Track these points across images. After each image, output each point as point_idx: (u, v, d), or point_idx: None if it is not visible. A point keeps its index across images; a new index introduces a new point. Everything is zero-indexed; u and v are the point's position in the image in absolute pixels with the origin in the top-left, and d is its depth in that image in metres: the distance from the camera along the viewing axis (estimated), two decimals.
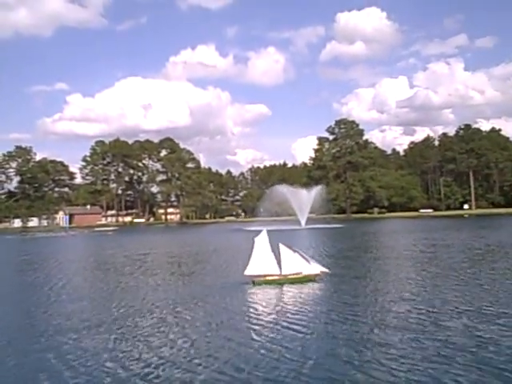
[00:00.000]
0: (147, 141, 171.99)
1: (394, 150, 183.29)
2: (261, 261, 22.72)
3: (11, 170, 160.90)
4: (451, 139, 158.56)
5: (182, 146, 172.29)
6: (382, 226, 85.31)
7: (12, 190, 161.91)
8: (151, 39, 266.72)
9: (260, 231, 23.96)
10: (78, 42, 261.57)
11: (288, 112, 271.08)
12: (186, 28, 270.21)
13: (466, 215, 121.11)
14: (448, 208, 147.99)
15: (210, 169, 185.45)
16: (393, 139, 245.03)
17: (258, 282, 22.53)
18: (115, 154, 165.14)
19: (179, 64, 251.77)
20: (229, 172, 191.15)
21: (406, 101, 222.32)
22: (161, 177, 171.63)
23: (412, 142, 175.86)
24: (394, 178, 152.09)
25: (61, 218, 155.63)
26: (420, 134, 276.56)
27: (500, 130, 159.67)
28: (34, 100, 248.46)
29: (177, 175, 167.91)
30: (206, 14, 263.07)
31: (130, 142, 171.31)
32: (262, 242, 22.98)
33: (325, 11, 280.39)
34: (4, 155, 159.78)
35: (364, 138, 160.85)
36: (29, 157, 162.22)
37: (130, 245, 58.74)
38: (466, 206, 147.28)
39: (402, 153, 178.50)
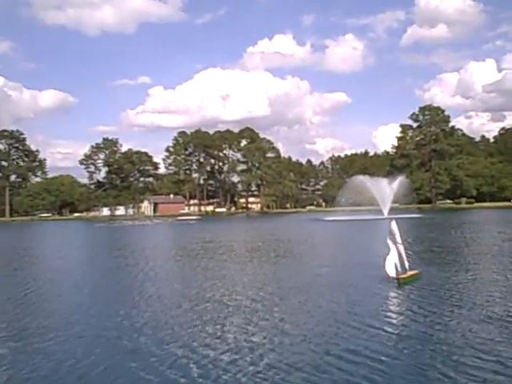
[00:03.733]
0: (227, 131, 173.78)
1: (483, 136, 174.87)
2: (398, 256, 19.57)
3: (99, 161, 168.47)
4: None
5: (261, 135, 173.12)
6: (471, 217, 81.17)
7: (100, 180, 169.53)
8: (229, 31, 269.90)
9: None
10: (159, 37, 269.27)
11: (368, 100, 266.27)
12: (263, 18, 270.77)
13: None
14: None
15: (289, 158, 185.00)
16: (480, 126, 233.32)
17: (403, 280, 19.15)
18: (197, 144, 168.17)
19: (257, 54, 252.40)
20: (309, 161, 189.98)
21: (494, 85, 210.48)
22: (241, 166, 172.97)
23: (503, 128, 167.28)
24: (484, 167, 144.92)
25: (146, 206, 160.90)
26: (510, 120, 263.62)
27: None
28: (119, 93, 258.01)
29: (257, 165, 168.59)
30: (282, 3, 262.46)
31: (211, 132, 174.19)
32: (394, 235, 19.68)
33: None
34: (93, 147, 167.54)
35: (450, 124, 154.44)
36: (115, 148, 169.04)
37: (221, 233, 59.50)
38: None
39: (491, 140, 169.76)
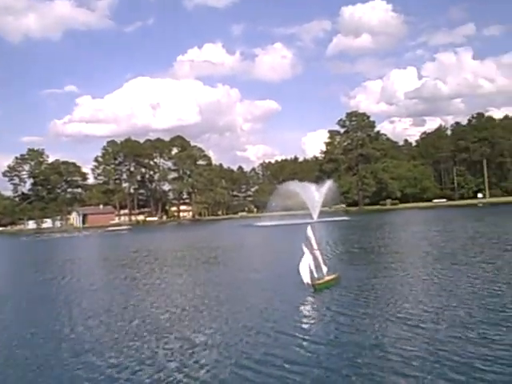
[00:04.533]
0: (158, 139, 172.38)
1: (406, 140, 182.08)
2: (315, 261, 19.53)
3: (24, 173, 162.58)
4: (464, 128, 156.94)
5: (192, 143, 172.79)
6: (396, 217, 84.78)
7: (25, 192, 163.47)
8: (158, 39, 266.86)
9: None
10: (86, 45, 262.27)
11: (297, 107, 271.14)
12: (193, 27, 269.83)
13: (480, 204, 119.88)
14: (462, 197, 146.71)
15: (221, 165, 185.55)
16: (402, 130, 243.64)
17: (319, 286, 19.09)
18: (127, 153, 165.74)
19: (186, 63, 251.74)
20: (240, 168, 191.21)
21: (415, 92, 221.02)
22: (172, 175, 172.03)
23: (424, 133, 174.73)
24: (407, 169, 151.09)
25: (74, 218, 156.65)
26: (430, 125, 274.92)
27: None
28: (45, 103, 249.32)
29: (188, 172, 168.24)
30: (211, 12, 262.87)
31: (141, 141, 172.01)
32: (310, 240, 19.75)
33: (329, 5, 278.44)
34: (17, 158, 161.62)
35: (375, 130, 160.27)
36: (41, 159, 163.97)
37: (151, 242, 59.10)
38: (479, 195, 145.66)
39: (414, 143, 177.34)
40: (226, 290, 20.86)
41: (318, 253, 19.78)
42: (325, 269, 19.95)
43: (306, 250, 19.12)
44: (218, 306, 17.61)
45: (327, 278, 19.92)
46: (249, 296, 19.47)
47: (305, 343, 12.47)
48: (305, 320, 15.16)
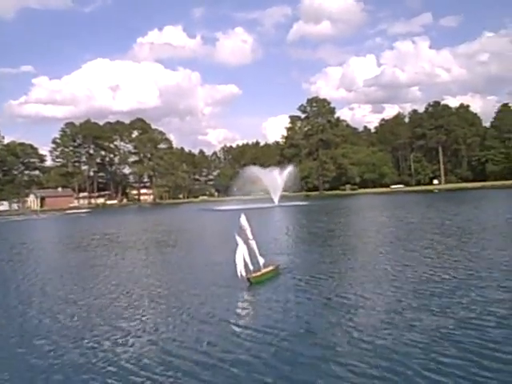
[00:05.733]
0: (118, 122, 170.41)
1: (365, 127, 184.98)
2: (250, 252, 18.04)
3: None
4: (421, 116, 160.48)
5: (153, 126, 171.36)
6: (353, 203, 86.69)
7: None
8: (118, 21, 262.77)
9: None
10: (42, 24, 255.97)
11: (258, 92, 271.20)
12: (153, 9, 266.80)
13: (436, 190, 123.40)
14: (418, 183, 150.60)
15: (182, 149, 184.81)
16: (362, 117, 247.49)
17: (255, 279, 17.66)
18: (86, 135, 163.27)
19: (146, 45, 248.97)
20: (201, 152, 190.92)
21: (374, 79, 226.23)
22: (133, 158, 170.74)
23: (383, 119, 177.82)
24: (366, 155, 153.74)
25: (32, 201, 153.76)
26: (388, 112, 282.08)
27: (468, 106, 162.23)
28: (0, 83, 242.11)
29: (149, 156, 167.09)
30: None
31: (101, 123, 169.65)
32: (245, 230, 17.94)
33: None
34: None
35: (335, 116, 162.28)
36: None
37: (106, 226, 58.80)
38: (435, 181, 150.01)
39: (372, 130, 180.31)
40: (164, 283, 19.15)
41: (253, 243, 18.09)
42: (261, 260, 18.44)
43: (239, 240, 17.59)
44: (150, 300, 16.33)
45: (264, 270, 18.44)
46: (181, 290, 17.61)
47: (226, 345, 11.34)
48: (229, 314, 14.02)
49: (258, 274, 18.02)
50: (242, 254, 17.26)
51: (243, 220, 17.89)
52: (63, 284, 20.35)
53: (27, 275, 23.03)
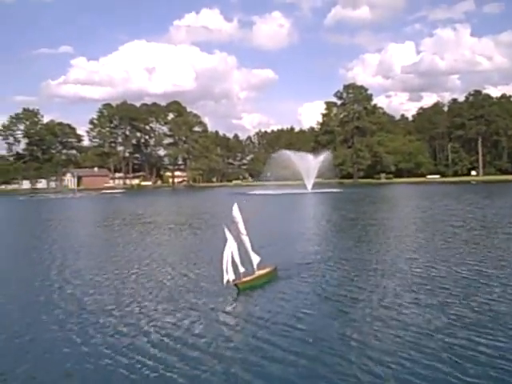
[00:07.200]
0: (154, 104, 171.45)
1: (402, 115, 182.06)
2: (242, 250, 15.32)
3: (19, 133, 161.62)
4: (460, 105, 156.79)
5: (188, 109, 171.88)
6: (384, 192, 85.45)
7: (20, 152, 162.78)
8: (155, 3, 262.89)
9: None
10: (81, 6, 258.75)
11: (294, 77, 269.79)
12: None
13: (474, 182, 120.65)
14: (455, 174, 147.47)
15: (217, 132, 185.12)
16: (398, 105, 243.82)
17: (243, 286, 14.65)
18: (122, 116, 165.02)
19: (183, 28, 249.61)
20: (236, 136, 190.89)
21: (412, 66, 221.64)
22: (168, 140, 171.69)
23: (421, 108, 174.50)
24: (402, 144, 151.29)
25: (69, 179, 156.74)
26: (426, 100, 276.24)
27: (510, 96, 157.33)
28: (39, 63, 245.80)
29: (184, 138, 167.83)
30: None
31: (137, 105, 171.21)
32: (237, 223, 15.19)
33: None
34: (12, 117, 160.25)
35: (372, 103, 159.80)
36: (36, 119, 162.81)
37: (139, 206, 59.58)
38: (473, 173, 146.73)
39: (410, 118, 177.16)
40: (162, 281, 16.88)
41: (246, 239, 15.31)
42: (256, 259, 15.56)
43: (229, 235, 14.74)
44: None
45: (258, 272, 15.49)
46: (171, 290, 15.29)
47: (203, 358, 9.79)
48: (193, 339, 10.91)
49: (249, 278, 14.98)
50: (230, 252, 14.42)
51: (235, 211, 15.12)
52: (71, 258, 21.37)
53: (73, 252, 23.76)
